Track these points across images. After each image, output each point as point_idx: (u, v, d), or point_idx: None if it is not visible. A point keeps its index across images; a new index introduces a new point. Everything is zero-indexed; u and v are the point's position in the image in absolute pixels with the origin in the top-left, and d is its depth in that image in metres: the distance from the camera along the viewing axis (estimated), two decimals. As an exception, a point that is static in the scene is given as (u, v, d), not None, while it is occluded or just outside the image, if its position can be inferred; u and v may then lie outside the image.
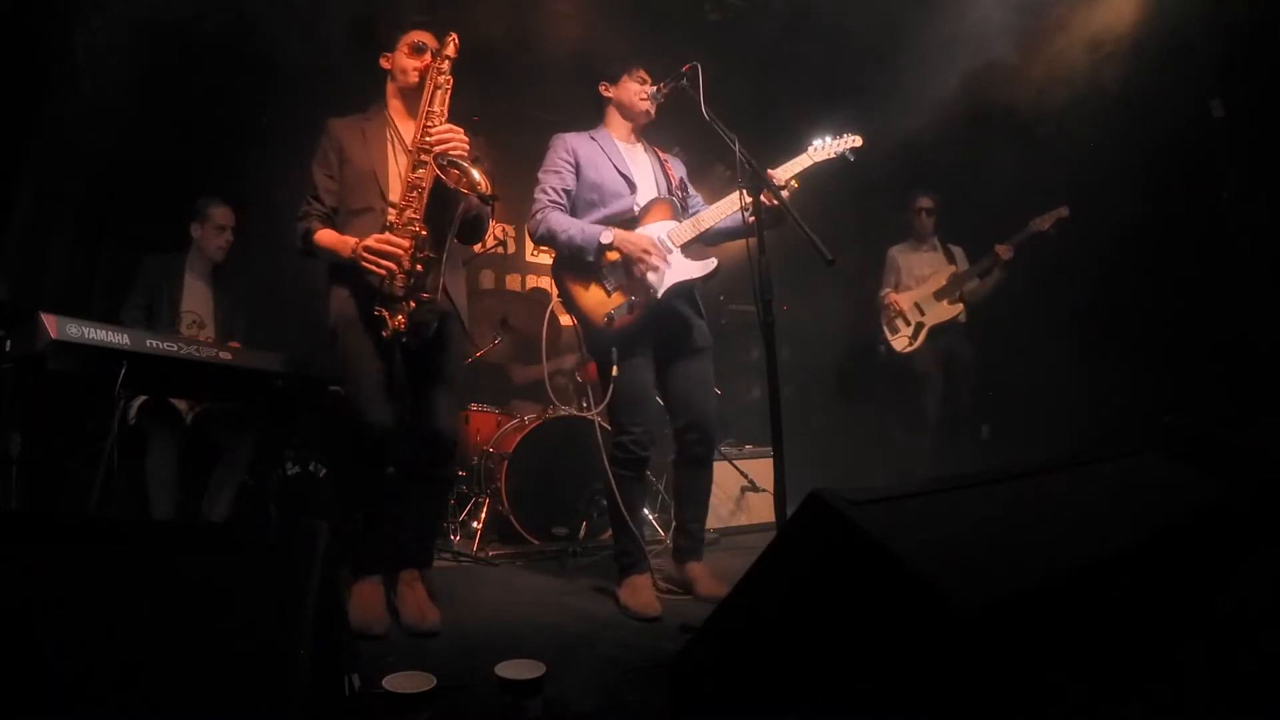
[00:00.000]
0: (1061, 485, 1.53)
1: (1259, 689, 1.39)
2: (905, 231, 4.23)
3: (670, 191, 2.61)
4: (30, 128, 3.09)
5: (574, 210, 2.55)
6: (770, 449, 1.96)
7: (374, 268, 2.04)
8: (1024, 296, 4.18)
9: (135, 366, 2.22)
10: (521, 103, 4.89)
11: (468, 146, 2.09)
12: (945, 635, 0.91)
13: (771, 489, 2.26)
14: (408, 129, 2.24)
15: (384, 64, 2.32)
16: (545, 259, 5.50)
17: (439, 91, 2.14)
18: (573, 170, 2.54)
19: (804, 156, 2.49)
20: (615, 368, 2.42)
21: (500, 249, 5.19)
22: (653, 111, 2.58)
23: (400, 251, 2.04)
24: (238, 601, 0.94)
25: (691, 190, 2.75)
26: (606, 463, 2.51)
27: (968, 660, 0.93)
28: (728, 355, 4.79)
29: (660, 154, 2.73)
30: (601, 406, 2.50)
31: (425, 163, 2.08)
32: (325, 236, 2.19)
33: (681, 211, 2.59)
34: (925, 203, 4.11)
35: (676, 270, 2.45)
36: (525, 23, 3.99)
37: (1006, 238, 3.86)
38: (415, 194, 2.09)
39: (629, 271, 2.44)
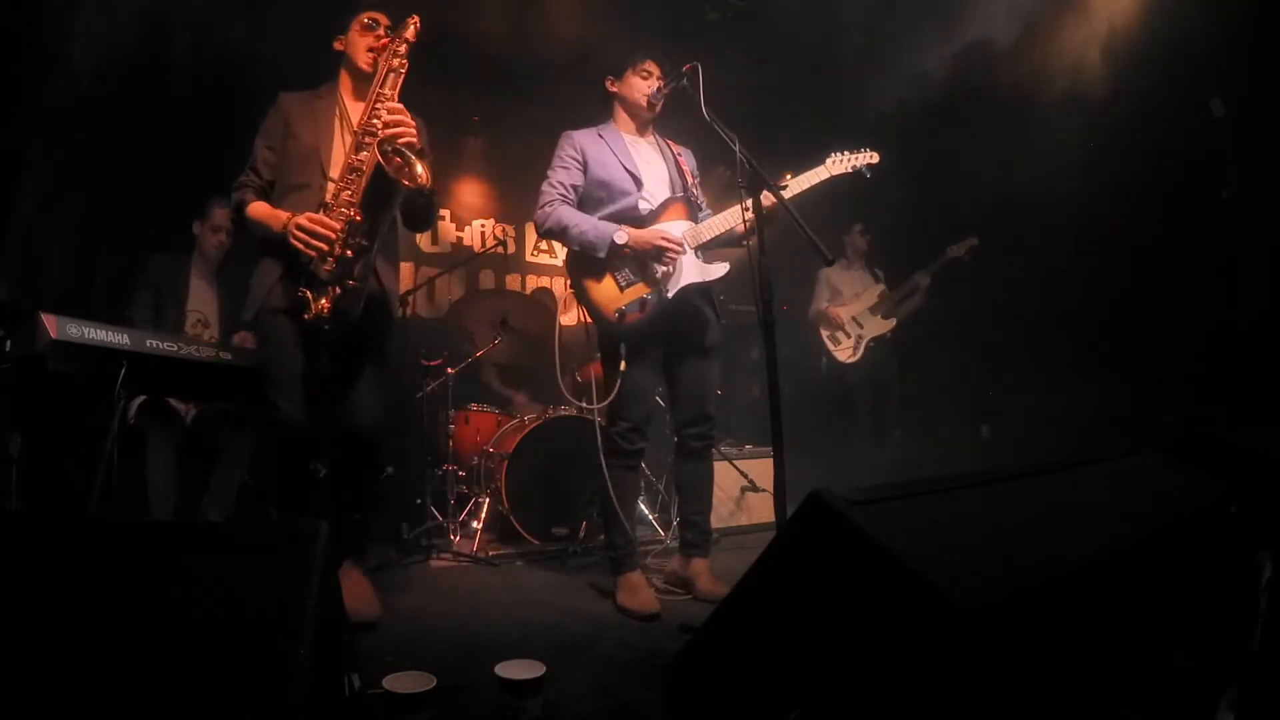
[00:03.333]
0: (1061, 485, 1.53)
1: (1258, 689, 1.39)
2: (838, 251, 4.50)
3: (685, 189, 2.59)
4: (31, 127, 3.09)
5: (582, 205, 2.55)
6: (770, 449, 1.96)
7: (303, 247, 1.99)
8: (1022, 296, 4.18)
9: (135, 366, 2.21)
10: (522, 103, 4.89)
11: (416, 134, 2.03)
12: (945, 635, 0.91)
13: (771, 489, 2.25)
14: (356, 110, 2.19)
15: (337, 46, 2.29)
16: (546, 259, 5.50)
17: (391, 74, 2.09)
18: (580, 167, 2.54)
19: (821, 169, 2.47)
20: (624, 363, 2.42)
21: (500, 249, 5.19)
22: (658, 106, 2.57)
23: (332, 234, 1.99)
24: (237, 601, 0.93)
25: (700, 192, 2.72)
26: (602, 455, 2.50)
27: (968, 660, 0.93)
28: (728, 355, 4.78)
29: (673, 147, 2.69)
30: (605, 403, 2.48)
31: (369, 145, 2.02)
32: (258, 209, 2.15)
33: (698, 210, 2.57)
34: (861, 229, 4.51)
35: (689, 272, 2.44)
36: (525, 22, 3.99)
37: (924, 265, 4.28)
38: (354, 176, 2.03)
39: (643, 267, 2.43)
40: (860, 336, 4.30)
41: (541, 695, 1.53)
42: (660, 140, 2.69)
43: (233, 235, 3.26)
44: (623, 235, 2.38)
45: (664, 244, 2.37)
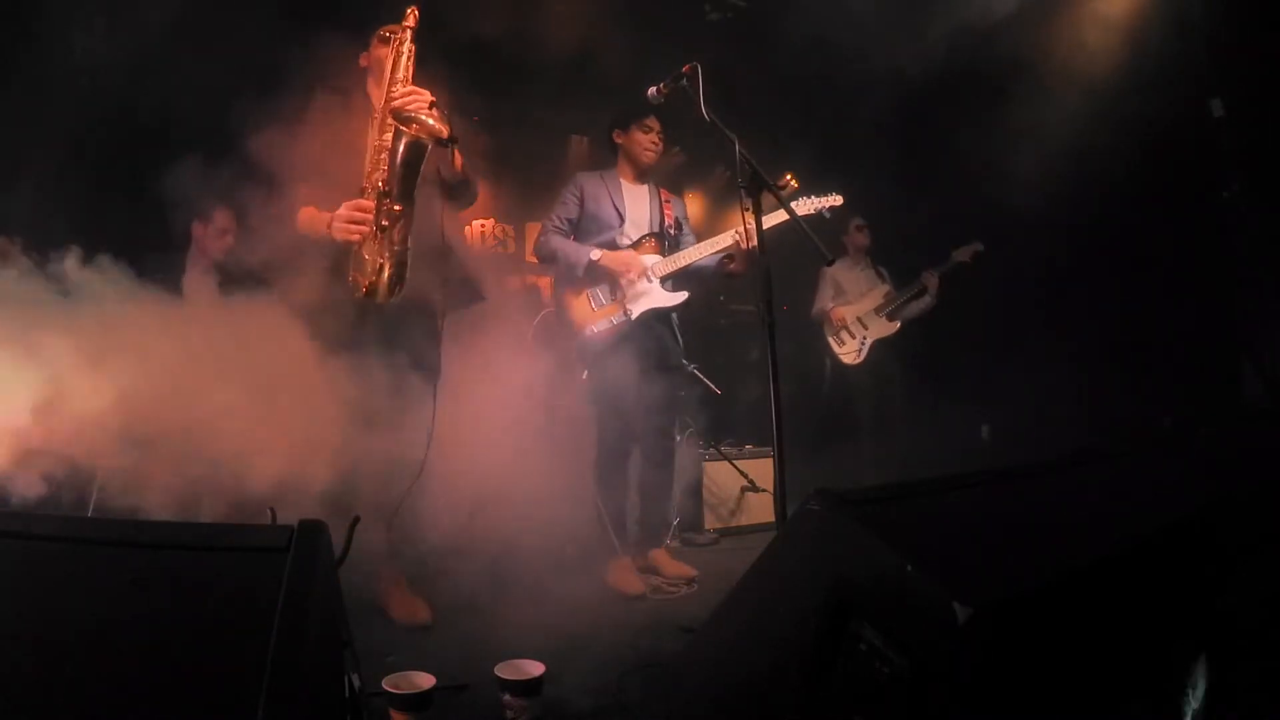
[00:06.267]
0: (1062, 485, 1.53)
1: (1257, 688, 1.39)
2: (839, 250, 4.42)
3: (662, 228, 2.95)
4: (29, 126, 3.09)
5: (577, 235, 2.92)
6: (770, 449, 1.96)
7: (347, 234, 2.08)
8: (1023, 296, 4.18)
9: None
10: (522, 103, 4.89)
11: (429, 101, 2.11)
12: (946, 635, 0.91)
13: (771, 489, 2.28)
14: None
15: (363, 62, 2.39)
16: (545, 259, 5.52)
17: (402, 59, 2.19)
18: (578, 203, 2.92)
19: (782, 212, 2.63)
20: (587, 372, 2.80)
21: (500, 249, 5.19)
22: (655, 160, 2.92)
23: (367, 212, 2.08)
24: (237, 602, 0.94)
25: (686, 229, 3.04)
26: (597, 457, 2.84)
27: (969, 660, 0.93)
28: (728, 355, 4.79)
29: (663, 194, 3.02)
30: (573, 406, 2.82)
31: (390, 125, 2.12)
32: (306, 215, 2.20)
33: (669, 249, 2.94)
34: (860, 222, 4.41)
35: (652, 297, 2.81)
36: (526, 23, 3.99)
37: (934, 265, 4.20)
38: (382, 156, 2.13)
39: (614, 290, 2.79)
40: (865, 338, 4.24)
41: (541, 695, 1.53)
42: (653, 187, 3.01)
43: (237, 236, 3.26)
44: (597, 254, 2.78)
45: (627, 265, 2.77)
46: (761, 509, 3.94)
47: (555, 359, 3.21)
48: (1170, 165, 3.66)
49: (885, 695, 0.98)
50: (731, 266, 2.80)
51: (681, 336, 2.99)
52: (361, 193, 2.13)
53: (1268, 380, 3.47)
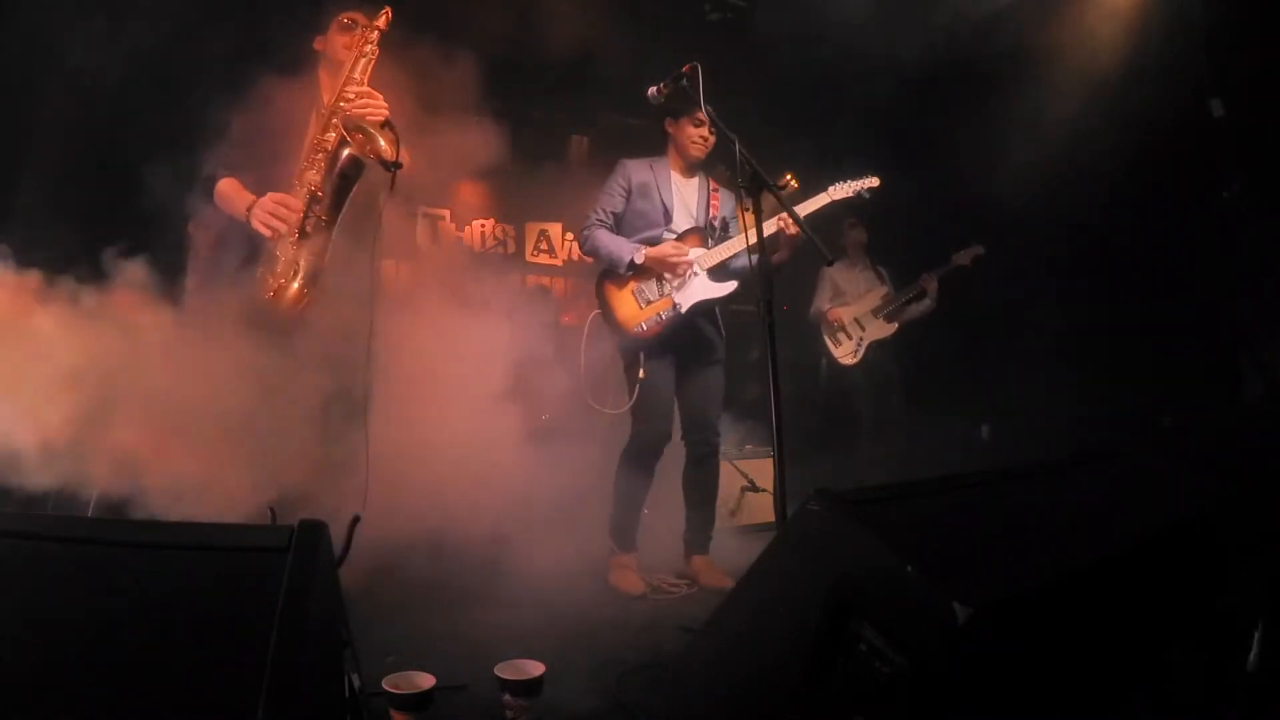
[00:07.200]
0: (1062, 485, 1.53)
1: (1255, 688, 1.39)
2: (839, 251, 4.41)
3: (707, 223, 2.90)
4: (28, 128, 3.09)
5: (620, 226, 2.87)
6: (770, 449, 1.96)
7: (263, 228, 1.99)
8: (1022, 297, 4.18)
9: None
10: (522, 103, 4.88)
11: (384, 113, 2.04)
12: (946, 635, 0.91)
13: (771, 489, 2.28)
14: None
15: (317, 46, 2.29)
16: (546, 259, 5.51)
17: (362, 60, 2.10)
18: (625, 196, 2.87)
19: (823, 195, 2.71)
20: (642, 370, 2.75)
21: (500, 249, 5.19)
22: (702, 155, 2.84)
23: (294, 212, 1.98)
24: (237, 602, 0.93)
25: (732, 228, 2.95)
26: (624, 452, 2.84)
27: (969, 659, 0.93)
28: (728, 355, 4.77)
29: (712, 184, 2.96)
30: (629, 405, 2.81)
31: (336, 127, 2.02)
32: (227, 186, 2.11)
33: (712, 241, 2.89)
34: (852, 220, 4.39)
35: (700, 289, 2.76)
36: (526, 22, 3.99)
37: (932, 268, 4.20)
38: (319, 156, 2.04)
39: (660, 284, 2.77)
40: (861, 338, 4.25)
41: (541, 695, 1.53)
42: (704, 179, 2.95)
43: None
44: (640, 255, 2.72)
45: (674, 257, 2.70)
46: (761, 509, 3.94)
47: (604, 357, 3.24)
48: (1170, 165, 3.65)
49: (885, 695, 0.98)
50: (774, 257, 2.68)
51: (724, 330, 2.96)
52: (290, 188, 2.04)
53: (1268, 380, 3.47)
